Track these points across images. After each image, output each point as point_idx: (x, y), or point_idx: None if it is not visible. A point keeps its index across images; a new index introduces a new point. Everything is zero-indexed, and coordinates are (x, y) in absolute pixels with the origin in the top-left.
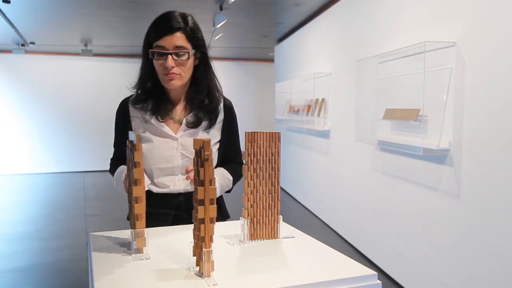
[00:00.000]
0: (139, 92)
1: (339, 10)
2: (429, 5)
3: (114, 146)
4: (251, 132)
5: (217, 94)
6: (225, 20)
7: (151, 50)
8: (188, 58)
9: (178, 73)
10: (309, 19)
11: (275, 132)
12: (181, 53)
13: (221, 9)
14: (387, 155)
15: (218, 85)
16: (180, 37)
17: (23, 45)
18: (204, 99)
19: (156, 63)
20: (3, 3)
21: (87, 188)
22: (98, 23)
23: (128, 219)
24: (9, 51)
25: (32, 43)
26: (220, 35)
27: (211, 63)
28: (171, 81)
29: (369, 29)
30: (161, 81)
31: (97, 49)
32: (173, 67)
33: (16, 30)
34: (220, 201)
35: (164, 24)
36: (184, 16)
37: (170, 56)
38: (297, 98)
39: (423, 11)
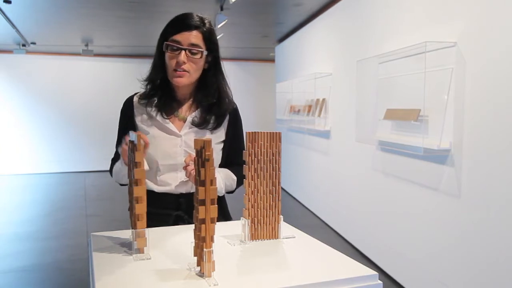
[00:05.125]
0: (148, 87)
1: (339, 10)
2: (429, 5)
3: (116, 146)
4: (252, 132)
5: (227, 100)
6: (226, 20)
7: (166, 42)
8: (201, 57)
9: (187, 70)
10: (310, 19)
11: (276, 132)
12: (194, 51)
13: (221, 9)
14: (387, 155)
15: (228, 91)
16: (197, 35)
17: (24, 45)
18: (213, 103)
19: (168, 57)
20: (4, 3)
21: (87, 188)
22: (99, 23)
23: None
24: (10, 51)
25: (33, 43)
26: (221, 35)
27: (223, 69)
28: (178, 78)
29: (370, 29)
30: (168, 76)
31: (97, 49)
32: (184, 62)
33: (17, 30)
34: (222, 203)
35: (183, 21)
36: (202, 18)
37: (183, 52)
38: (298, 98)
39: (424, 11)
